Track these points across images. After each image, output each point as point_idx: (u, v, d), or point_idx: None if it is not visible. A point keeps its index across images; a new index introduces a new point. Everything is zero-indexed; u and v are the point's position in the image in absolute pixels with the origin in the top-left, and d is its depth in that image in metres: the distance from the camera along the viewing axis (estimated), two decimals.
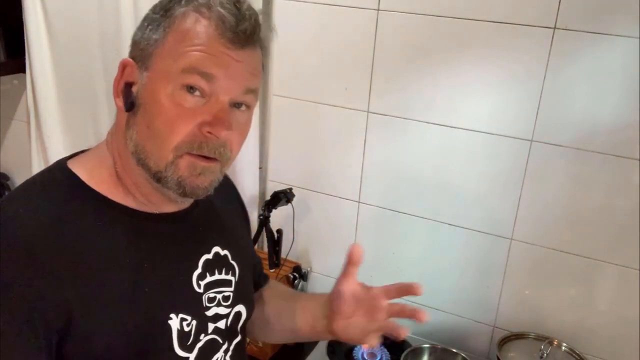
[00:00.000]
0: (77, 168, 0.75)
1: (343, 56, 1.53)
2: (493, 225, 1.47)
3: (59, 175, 0.74)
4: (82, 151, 0.80)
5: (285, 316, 0.97)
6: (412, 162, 1.52)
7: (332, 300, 0.85)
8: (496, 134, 1.40)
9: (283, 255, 1.71)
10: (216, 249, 0.86)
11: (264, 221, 1.63)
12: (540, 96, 1.33)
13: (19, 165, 2.16)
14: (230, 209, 0.99)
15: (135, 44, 0.74)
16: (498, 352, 1.39)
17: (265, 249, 1.74)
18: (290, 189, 1.64)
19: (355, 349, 1.54)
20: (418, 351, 1.51)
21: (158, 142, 0.71)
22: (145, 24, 0.73)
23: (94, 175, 0.75)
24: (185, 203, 0.82)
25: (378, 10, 1.45)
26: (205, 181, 0.74)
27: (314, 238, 1.73)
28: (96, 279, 0.69)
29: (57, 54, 1.79)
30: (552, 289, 1.45)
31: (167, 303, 0.76)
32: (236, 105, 0.74)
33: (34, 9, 1.74)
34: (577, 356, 1.39)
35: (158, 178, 0.72)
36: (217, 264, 0.85)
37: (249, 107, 0.76)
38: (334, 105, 1.58)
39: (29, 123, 1.91)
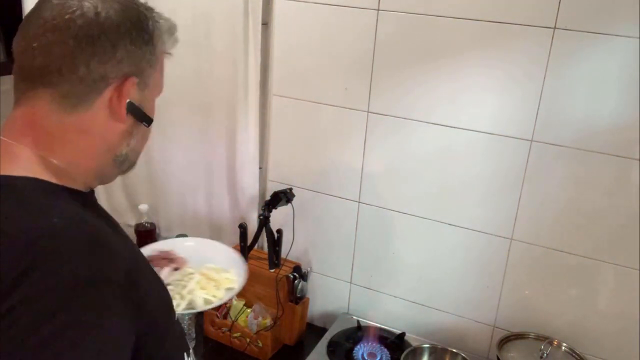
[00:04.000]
0: (27, 173, 0.71)
1: (343, 56, 1.53)
2: (493, 225, 1.47)
3: (31, 184, 0.71)
4: None
5: None
6: (412, 162, 1.52)
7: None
8: (496, 134, 1.40)
9: (283, 255, 1.70)
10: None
11: (264, 221, 1.63)
12: (540, 96, 1.33)
13: None
14: None
15: (130, 58, 0.75)
16: (498, 352, 1.39)
17: (265, 249, 1.74)
18: (290, 189, 1.64)
19: (355, 348, 1.54)
20: (418, 351, 1.51)
21: (144, 145, 0.85)
22: (128, 40, 0.74)
23: (57, 173, 0.74)
24: None
25: (378, 10, 1.45)
26: None
27: (314, 238, 1.73)
28: (139, 262, 0.76)
29: None
30: (552, 289, 1.45)
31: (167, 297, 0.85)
32: None
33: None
34: (577, 356, 1.39)
35: (130, 168, 0.84)
36: None
37: None
38: (334, 105, 1.58)
39: None
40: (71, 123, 0.73)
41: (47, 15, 0.70)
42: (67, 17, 0.70)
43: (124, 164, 0.82)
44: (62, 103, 0.72)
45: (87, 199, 0.79)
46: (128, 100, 0.76)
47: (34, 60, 0.70)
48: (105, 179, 0.83)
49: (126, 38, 0.73)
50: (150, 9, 0.79)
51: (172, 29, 0.82)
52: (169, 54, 0.84)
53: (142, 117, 0.79)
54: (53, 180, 0.72)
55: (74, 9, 0.70)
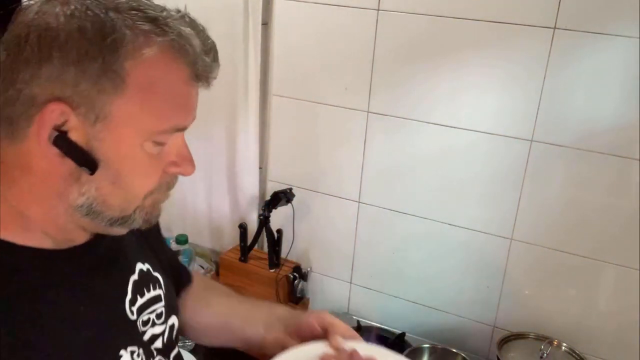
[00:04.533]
0: None
1: (343, 56, 1.53)
2: (493, 225, 1.47)
3: None
4: None
5: (234, 323, 0.91)
6: (412, 162, 1.52)
7: (302, 329, 0.83)
8: (496, 134, 1.40)
9: (283, 255, 1.71)
10: (139, 266, 0.78)
11: (264, 221, 1.63)
12: (540, 96, 1.33)
13: None
14: None
15: (57, 77, 0.56)
16: (498, 352, 1.39)
17: (265, 249, 1.74)
18: (290, 189, 1.64)
19: None
20: (418, 351, 1.51)
21: (127, 195, 0.64)
22: (74, 53, 0.56)
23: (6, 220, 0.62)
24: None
25: (378, 10, 1.45)
26: (161, 207, 0.71)
27: (314, 238, 1.73)
28: (40, 342, 0.60)
29: None
30: (552, 289, 1.45)
31: (111, 341, 0.68)
32: None
33: None
34: (577, 356, 1.39)
35: (123, 222, 0.66)
36: (144, 282, 0.78)
37: None
38: (334, 105, 1.58)
39: None
40: (13, 155, 0.60)
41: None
42: (14, 22, 0.59)
43: (99, 217, 0.64)
44: (2, 129, 0.60)
45: (57, 257, 0.65)
46: (56, 134, 0.58)
47: None
48: (91, 227, 0.67)
49: (59, 49, 0.56)
50: (131, 9, 0.58)
51: (184, 37, 0.60)
52: (202, 82, 0.64)
53: (80, 159, 0.59)
54: None
55: (27, 12, 0.58)
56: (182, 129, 0.65)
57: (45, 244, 0.64)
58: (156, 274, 0.82)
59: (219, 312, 0.94)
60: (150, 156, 0.63)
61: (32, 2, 0.58)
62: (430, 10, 1.38)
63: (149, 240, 0.84)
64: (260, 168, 1.75)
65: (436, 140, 1.47)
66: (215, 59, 0.64)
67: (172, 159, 0.66)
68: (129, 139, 0.61)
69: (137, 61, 0.57)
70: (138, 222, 0.67)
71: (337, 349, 0.78)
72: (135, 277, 0.76)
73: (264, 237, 1.70)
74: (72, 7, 0.57)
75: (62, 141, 0.58)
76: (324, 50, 1.54)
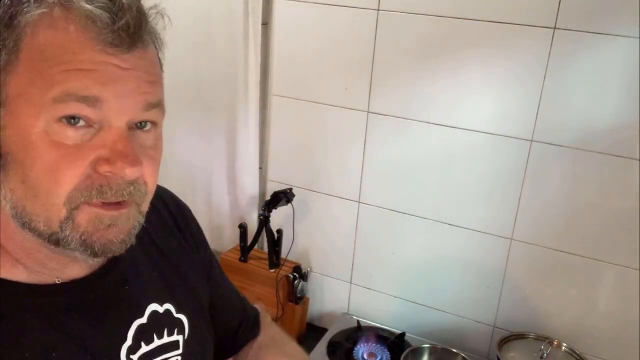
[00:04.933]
0: None
1: (343, 56, 1.53)
2: (493, 225, 1.47)
3: None
4: None
5: None
6: (412, 162, 1.52)
7: None
8: (496, 134, 1.40)
9: (283, 255, 1.71)
10: (153, 307, 0.67)
11: (264, 221, 1.63)
12: (540, 96, 1.33)
13: None
14: (171, 240, 0.76)
15: None
16: (498, 352, 1.39)
17: (265, 249, 1.75)
18: (290, 189, 1.64)
19: (355, 348, 1.54)
20: (418, 351, 1.51)
21: (41, 198, 0.53)
22: None
23: None
24: (94, 262, 0.63)
25: (378, 10, 1.45)
26: (120, 232, 0.57)
27: (314, 238, 1.73)
28: None
29: None
30: (552, 289, 1.45)
31: None
32: (138, 125, 0.57)
33: None
34: (577, 356, 1.39)
35: (55, 241, 0.55)
36: (156, 326, 0.67)
37: (155, 124, 0.59)
38: (334, 105, 1.58)
39: None
40: None
41: None
42: None
43: (33, 230, 0.55)
44: None
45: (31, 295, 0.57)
46: None
47: None
48: (36, 251, 0.57)
49: None
50: None
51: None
52: (114, 44, 0.53)
53: None
54: None
55: None
56: (86, 98, 0.52)
57: (22, 276, 0.57)
58: (180, 316, 0.70)
59: None
60: (59, 145, 0.52)
61: None
62: (430, 10, 1.38)
63: (186, 277, 0.73)
64: (260, 168, 1.75)
65: (436, 140, 1.47)
66: (125, 15, 0.53)
67: (103, 154, 0.53)
68: (26, 119, 0.51)
69: (28, 32, 0.51)
70: (75, 246, 0.55)
71: None
72: (142, 320, 0.66)
73: (264, 237, 1.70)
74: None
75: None
76: (324, 50, 1.54)
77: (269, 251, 1.67)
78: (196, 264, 0.78)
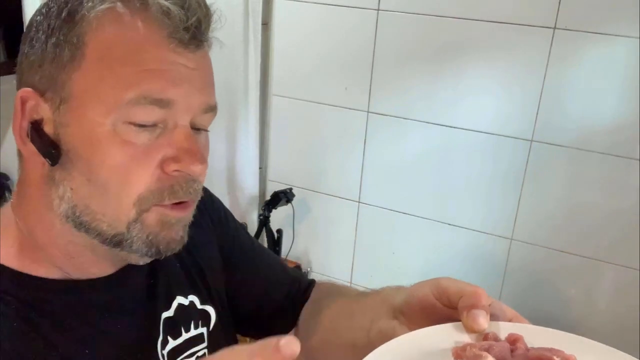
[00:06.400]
0: None
1: (343, 56, 1.53)
2: (493, 225, 1.47)
3: None
4: None
5: (340, 325, 0.67)
6: (412, 162, 1.52)
7: (413, 309, 0.53)
8: (496, 134, 1.40)
9: (283, 255, 1.71)
10: (179, 300, 0.65)
11: (264, 221, 1.63)
12: (540, 96, 1.33)
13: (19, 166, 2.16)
14: (199, 232, 0.72)
15: (30, 65, 0.52)
16: None
17: None
18: (290, 189, 1.64)
19: None
20: None
21: (110, 198, 0.52)
22: (40, 34, 0.51)
23: (21, 245, 0.55)
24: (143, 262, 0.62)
25: (378, 10, 1.45)
26: (180, 230, 0.56)
27: (314, 238, 1.73)
28: None
29: None
30: (552, 289, 1.45)
31: None
32: (196, 128, 0.56)
33: (34, 9, 1.74)
34: None
35: (118, 242, 0.53)
36: (182, 319, 0.65)
37: (206, 129, 0.59)
38: (334, 105, 1.57)
39: None
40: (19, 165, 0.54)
41: None
42: None
43: (90, 230, 0.53)
44: None
45: (61, 290, 0.55)
46: (29, 127, 0.51)
47: None
48: (97, 250, 0.55)
49: (28, 34, 0.53)
50: None
51: None
52: (188, 44, 0.51)
53: (44, 149, 0.51)
54: (9, 256, 0.53)
55: None
56: (160, 101, 0.50)
57: (54, 275, 0.55)
58: (204, 308, 0.68)
59: (326, 319, 0.70)
60: (129, 144, 0.50)
61: None
62: (430, 10, 1.38)
63: (202, 264, 0.70)
64: (260, 168, 1.75)
65: (436, 140, 1.47)
66: (196, 12, 0.51)
67: (171, 153, 0.52)
68: (94, 117, 0.50)
69: (95, 29, 0.50)
70: (139, 247, 0.54)
71: (475, 331, 0.44)
72: (169, 313, 0.63)
73: (264, 237, 1.70)
74: None
75: (35, 134, 0.51)
76: (324, 50, 1.54)
77: None
78: (216, 250, 0.74)
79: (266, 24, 1.61)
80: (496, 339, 0.42)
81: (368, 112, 1.53)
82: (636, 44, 1.21)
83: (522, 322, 0.49)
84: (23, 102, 0.51)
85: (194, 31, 0.51)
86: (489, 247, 1.49)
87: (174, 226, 0.55)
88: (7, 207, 0.58)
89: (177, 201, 0.54)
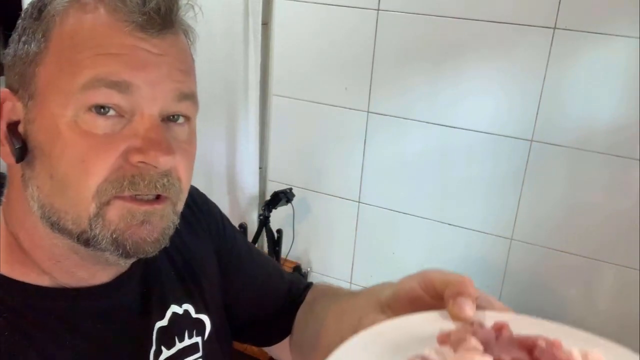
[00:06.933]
0: None
1: (343, 56, 1.53)
2: (493, 225, 1.47)
3: None
4: None
5: (330, 324, 0.63)
6: (412, 162, 1.52)
7: (401, 301, 0.51)
8: (496, 134, 1.40)
9: (283, 255, 1.71)
10: (173, 309, 0.64)
11: (264, 221, 1.63)
12: (540, 96, 1.33)
13: None
14: (195, 239, 0.72)
15: (9, 68, 0.52)
16: None
17: (266, 249, 1.74)
18: (290, 189, 1.64)
19: None
20: None
21: (70, 191, 0.49)
22: (17, 36, 0.52)
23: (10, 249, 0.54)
24: (125, 265, 0.59)
25: (378, 10, 1.45)
26: (154, 231, 0.52)
27: (314, 238, 1.73)
28: None
29: None
30: (552, 288, 1.45)
31: None
32: (171, 118, 0.54)
33: None
34: None
35: (85, 240, 0.51)
36: (177, 329, 0.64)
37: (189, 119, 0.56)
38: (334, 105, 1.57)
39: None
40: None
41: None
42: None
43: (61, 230, 0.51)
44: None
45: (49, 299, 0.53)
46: (4, 128, 0.51)
47: None
48: (94, 261, 0.54)
49: (14, 36, 0.53)
50: None
51: None
52: (144, 28, 0.50)
53: (13, 145, 0.50)
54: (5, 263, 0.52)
55: None
56: (117, 84, 0.49)
57: (44, 282, 0.53)
58: (199, 317, 0.67)
59: (318, 321, 0.67)
60: (88, 134, 0.49)
61: None
62: (430, 10, 1.38)
63: (198, 272, 0.68)
64: (260, 168, 1.75)
65: (436, 140, 1.47)
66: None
67: (135, 144, 0.50)
68: (55, 108, 0.49)
69: (57, 21, 0.50)
70: (106, 245, 0.51)
71: (461, 319, 0.43)
72: (163, 323, 0.62)
73: (264, 237, 1.70)
74: None
75: (11, 136, 0.50)
76: (324, 50, 1.54)
77: (269, 251, 1.67)
78: (214, 258, 0.73)
79: (266, 24, 1.61)
80: (481, 326, 0.41)
81: (368, 112, 1.54)
82: (636, 44, 1.21)
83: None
84: (0, 104, 0.51)
85: (152, 15, 0.50)
86: (489, 247, 1.49)
87: (143, 225, 0.51)
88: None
89: (138, 193, 0.51)
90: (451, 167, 1.48)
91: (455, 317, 0.43)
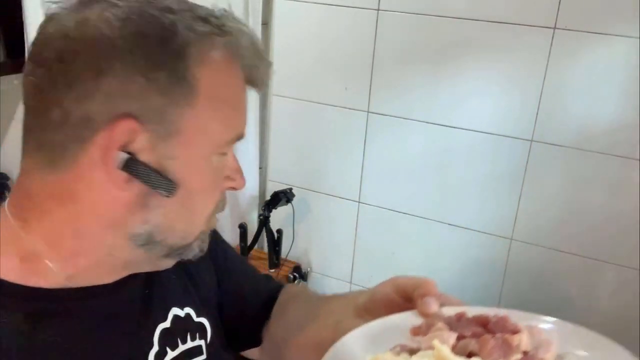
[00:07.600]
0: None
1: (343, 56, 1.53)
2: (493, 225, 1.47)
3: None
4: None
5: (306, 327, 0.69)
6: (412, 162, 1.52)
7: (376, 306, 0.60)
8: (496, 134, 1.40)
9: (283, 255, 1.71)
10: (174, 311, 0.65)
11: (264, 221, 1.63)
12: (540, 96, 1.33)
13: (19, 166, 2.15)
14: None
15: (124, 91, 0.49)
16: None
17: (266, 249, 1.74)
18: (290, 189, 1.64)
19: None
20: None
21: (193, 219, 0.56)
22: (126, 63, 0.48)
23: (24, 256, 0.53)
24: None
25: (378, 10, 1.45)
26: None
27: (314, 238, 1.73)
28: None
29: None
30: (552, 288, 1.45)
31: None
32: None
33: (34, 9, 1.73)
34: None
35: (178, 252, 0.57)
36: (179, 331, 0.65)
37: None
38: (334, 105, 1.57)
39: None
40: (51, 185, 0.52)
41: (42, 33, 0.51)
42: (47, 35, 0.50)
43: (157, 247, 0.55)
44: (37, 157, 0.52)
45: (57, 302, 0.54)
46: (127, 156, 0.49)
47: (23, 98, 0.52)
48: (131, 267, 0.58)
49: (121, 59, 0.48)
50: (183, 9, 0.51)
51: (241, 38, 0.54)
52: (258, 86, 0.58)
53: (153, 181, 0.51)
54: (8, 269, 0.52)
55: (63, 22, 0.49)
56: (242, 137, 0.57)
57: (53, 283, 0.54)
58: (200, 320, 0.68)
59: (291, 321, 0.73)
60: (215, 171, 0.56)
61: (58, 10, 0.50)
62: (430, 10, 1.38)
63: (196, 277, 0.71)
64: (260, 168, 1.75)
65: (436, 140, 1.47)
66: (266, 58, 0.58)
67: (228, 174, 0.59)
68: (202, 151, 0.53)
69: (205, 67, 0.51)
70: (194, 252, 0.58)
71: (428, 315, 0.53)
72: (166, 325, 0.63)
73: (264, 237, 1.70)
74: (124, 9, 0.48)
75: (133, 164, 0.50)
76: (324, 50, 1.54)
77: (269, 251, 1.67)
78: (210, 263, 0.75)
79: (266, 24, 1.61)
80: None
81: (368, 112, 1.53)
82: (636, 44, 1.21)
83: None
84: (116, 126, 0.49)
85: (263, 74, 0.58)
86: (489, 247, 1.49)
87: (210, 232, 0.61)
88: (3, 208, 0.56)
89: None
90: (451, 167, 1.48)
91: (423, 314, 0.53)
